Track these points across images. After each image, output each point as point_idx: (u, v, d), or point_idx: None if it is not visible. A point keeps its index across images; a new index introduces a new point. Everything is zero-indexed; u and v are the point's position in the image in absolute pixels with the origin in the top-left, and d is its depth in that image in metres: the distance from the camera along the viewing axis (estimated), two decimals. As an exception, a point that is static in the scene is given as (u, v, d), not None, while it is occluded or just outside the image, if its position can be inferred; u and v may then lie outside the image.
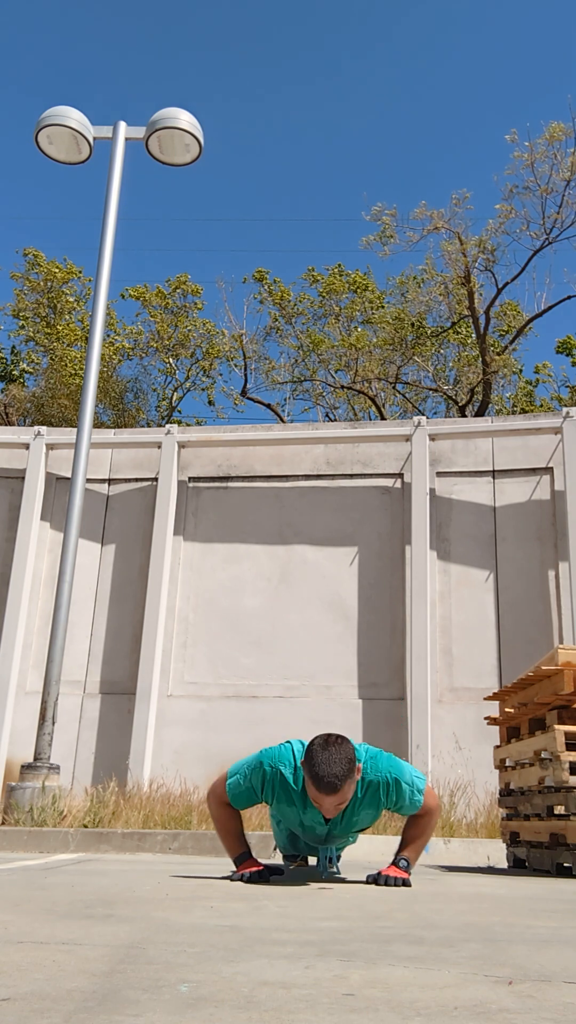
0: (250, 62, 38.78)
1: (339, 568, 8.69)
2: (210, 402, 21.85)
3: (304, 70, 39.09)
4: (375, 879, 3.23)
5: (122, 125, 8.09)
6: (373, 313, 20.29)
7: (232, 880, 3.26)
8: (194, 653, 8.67)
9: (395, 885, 3.17)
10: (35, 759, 6.35)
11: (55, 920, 2.04)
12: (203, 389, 21.71)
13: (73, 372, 19.35)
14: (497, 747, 5.32)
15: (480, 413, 17.81)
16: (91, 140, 8.01)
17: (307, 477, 9.05)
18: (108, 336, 20.05)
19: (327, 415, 21.01)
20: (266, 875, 3.20)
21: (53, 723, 6.50)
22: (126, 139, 8.09)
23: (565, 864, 4.11)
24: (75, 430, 7.70)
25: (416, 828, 3.35)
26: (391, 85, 38.68)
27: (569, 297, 17.04)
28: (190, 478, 9.25)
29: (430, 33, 36.19)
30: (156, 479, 9.16)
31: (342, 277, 20.65)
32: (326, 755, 2.98)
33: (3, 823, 5.91)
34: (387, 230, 16.88)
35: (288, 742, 3.33)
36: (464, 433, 8.93)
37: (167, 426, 9.47)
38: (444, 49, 36.88)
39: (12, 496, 9.36)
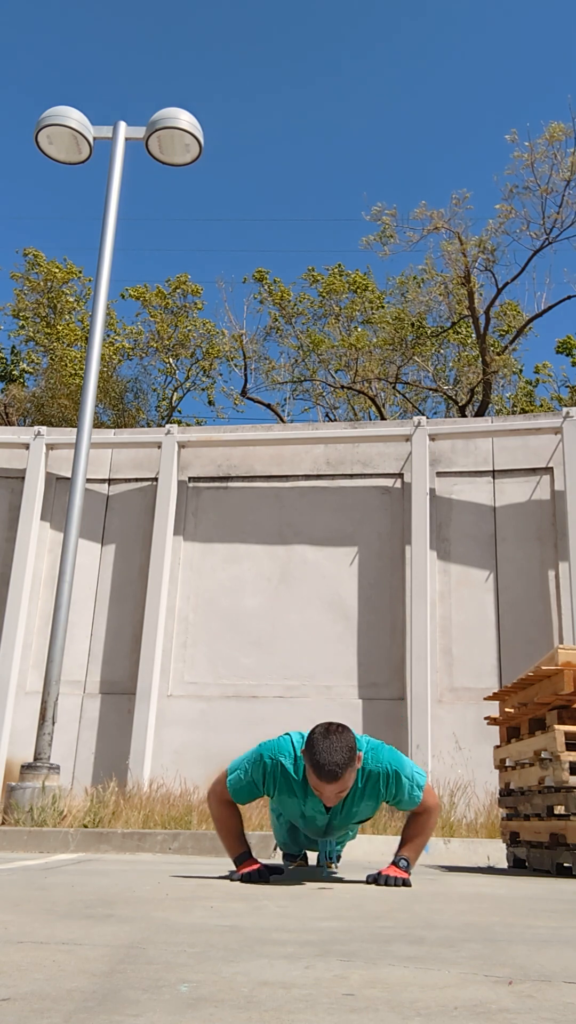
0: (250, 62, 38.78)
1: (339, 568, 8.69)
2: (210, 402, 21.88)
3: (304, 70, 39.09)
4: (375, 879, 3.23)
5: (122, 125, 8.09)
6: (373, 313, 20.29)
7: (232, 880, 3.26)
8: (194, 653, 8.67)
9: (395, 885, 3.17)
10: (35, 759, 6.35)
11: (55, 920, 2.04)
12: (203, 389, 21.73)
13: (73, 372, 19.35)
14: (497, 747, 5.32)
15: (480, 413, 17.81)
16: (91, 140, 8.01)
17: (307, 477, 9.05)
18: (108, 336, 20.05)
19: (327, 415, 21.02)
20: (266, 875, 3.20)
21: (53, 723, 6.50)
22: (126, 139, 8.09)
23: (565, 864, 4.11)
24: (75, 430, 7.70)
25: (415, 827, 3.35)
26: (391, 85, 38.69)
27: (569, 297, 17.05)
28: (190, 478, 9.25)
29: (430, 33, 36.19)
30: (156, 479, 9.16)
31: (342, 277, 20.65)
32: (327, 743, 2.99)
33: (3, 823, 5.91)
34: (387, 230, 16.89)
35: (287, 734, 3.34)
36: (464, 433, 8.93)
37: (167, 426, 9.47)
38: (444, 49, 36.88)
39: (12, 496, 9.36)
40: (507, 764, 5.05)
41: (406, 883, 3.20)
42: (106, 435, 9.67)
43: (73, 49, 37.23)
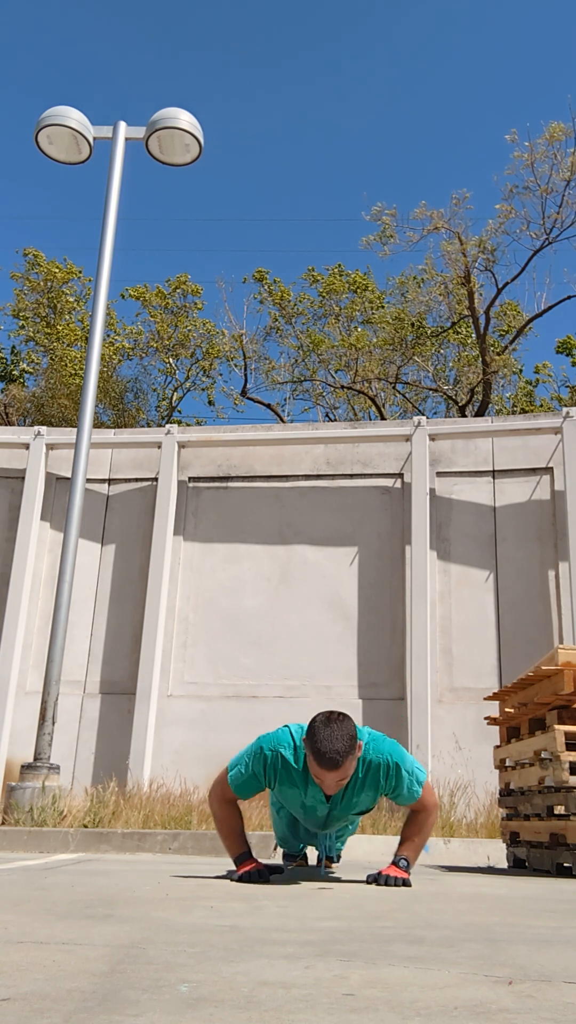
0: (250, 62, 38.79)
1: (339, 568, 8.69)
2: (210, 402, 21.88)
3: (304, 70, 39.10)
4: (375, 879, 3.23)
5: (122, 125, 8.09)
6: (373, 313, 20.29)
7: (232, 880, 3.26)
8: (194, 653, 8.67)
9: (395, 885, 3.17)
10: (35, 759, 6.35)
11: (55, 920, 2.04)
12: (203, 389, 21.73)
13: (73, 372, 19.35)
14: (497, 747, 5.32)
15: (480, 413, 17.81)
16: (91, 140, 8.01)
17: (307, 477, 9.05)
18: (108, 336, 20.05)
19: (327, 415, 21.02)
20: (266, 875, 3.20)
21: (53, 723, 6.50)
22: (126, 139, 8.09)
23: (565, 864, 4.11)
24: (75, 430, 7.70)
25: (415, 826, 3.36)
26: (391, 85, 38.69)
27: (569, 297, 17.05)
28: (190, 478, 9.25)
29: (430, 33, 36.19)
30: (156, 479, 9.16)
31: (342, 277, 20.65)
32: (328, 732, 3.01)
33: (3, 823, 5.91)
34: (387, 230, 16.89)
35: (285, 726, 3.36)
36: (464, 433, 8.93)
37: (167, 426, 9.47)
38: (444, 49, 36.88)
39: (12, 496, 9.36)
40: (507, 764, 5.05)
41: (406, 883, 3.20)
42: (106, 435, 9.66)
43: (73, 49, 37.24)
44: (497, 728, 5.96)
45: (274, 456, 9.14)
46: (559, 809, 4.15)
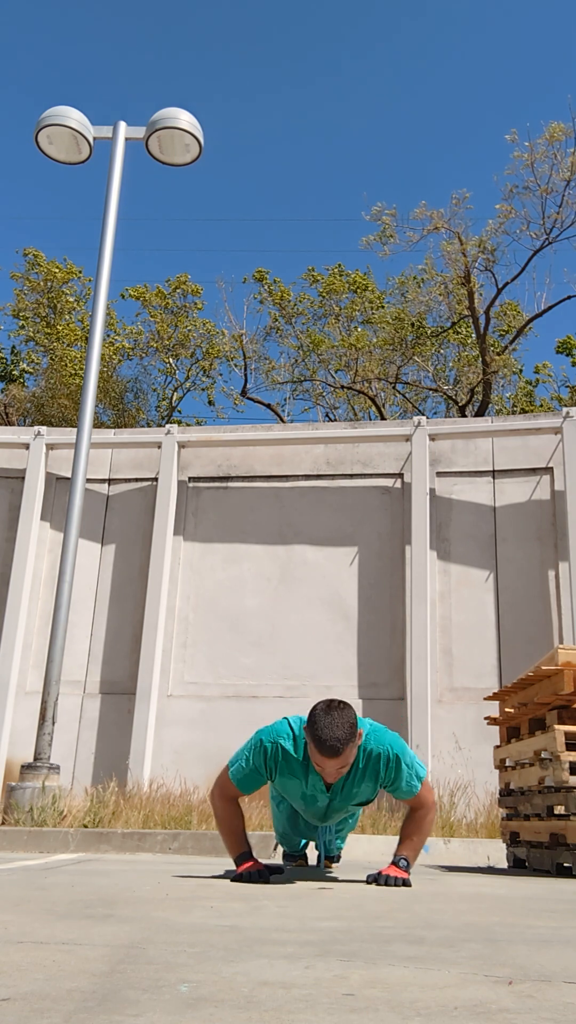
0: (250, 62, 38.79)
1: (339, 568, 8.69)
2: (210, 402, 21.88)
3: (304, 70, 39.10)
4: (375, 879, 3.23)
5: (122, 125, 8.09)
6: (373, 313, 20.29)
7: (231, 880, 3.26)
8: (194, 653, 8.68)
9: (395, 885, 3.17)
10: (35, 759, 6.35)
11: (55, 920, 2.04)
12: (203, 389, 21.74)
13: (73, 372, 19.35)
14: (497, 747, 5.32)
15: (480, 413, 17.81)
16: (91, 140, 8.01)
17: (307, 477, 9.05)
18: (108, 336, 20.05)
19: (327, 415, 21.02)
20: (266, 875, 3.20)
21: (53, 723, 6.50)
22: (126, 139, 8.09)
23: (565, 864, 4.11)
24: (75, 430, 7.70)
25: (413, 825, 3.36)
26: (391, 85, 38.69)
27: (569, 297, 17.05)
28: (190, 478, 9.25)
29: (430, 33, 36.20)
30: (156, 479, 9.16)
31: (342, 277, 20.65)
32: (328, 719, 3.02)
33: (3, 823, 5.91)
34: (387, 230, 16.89)
35: (284, 718, 3.37)
36: (464, 433, 8.93)
37: (167, 426, 9.47)
38: (444, 49, 36.89)
39: (12, 496, 9.36)
40: (507, 764, 5.05)
41: (406, 883, 3.20)
42: (106, 435, 9.67)
43: (73, 49, 37.24)
44: (497, 728, 5.96)
45: (274, 456, 9.14)
46: (559, 809, 4.15)
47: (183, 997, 1.22)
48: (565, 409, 8.51)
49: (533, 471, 8.57)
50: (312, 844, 4.38)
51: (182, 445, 9.26)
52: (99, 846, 5.34)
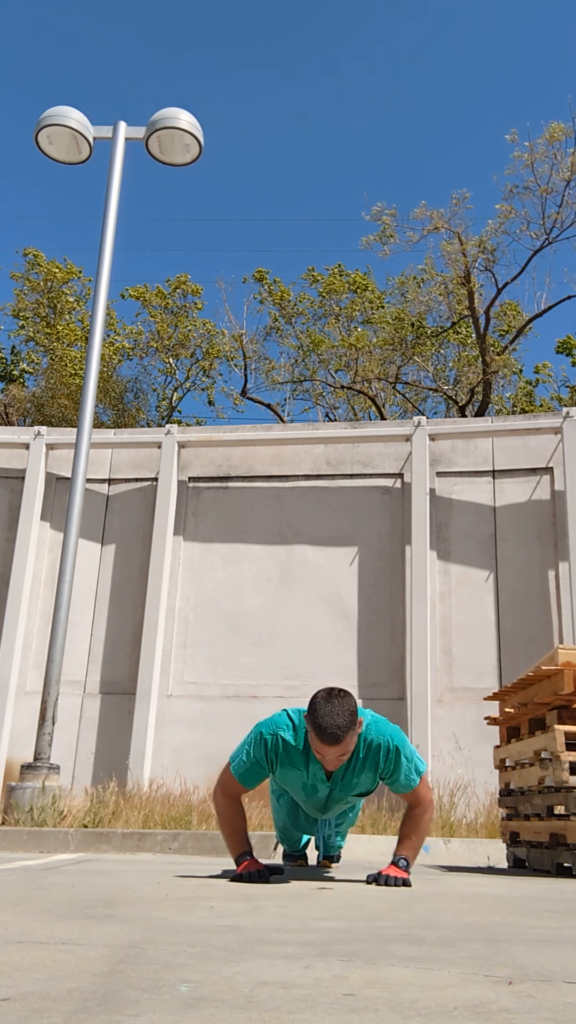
0: (250, 62, 38.79)
1: (339, 568, 8.69)
2: (210, 402, 21.88)
3: (304, 70, 39.10)
4: (375, 879, 3.23)
5: (122, 125, 8.09)
6: (373, 313, 20.29)
7: (231, 880, 3.27)
8: (194, 653, 8.68)
9: (395, 885, 3.17)
10: (35, 759, 6.35)
11: (55, 920, 2.04)
12: (203, 389, 21.73)
13: (73, 372, 19.35)
14: (497, 747, 5.32)
15: (480, 413, 17.81)
16: (91, 140, 8.01)
17: (307, 477, 9.05)
18: (108, 336, 20.05)
19: (327, 415, 21.02)
20: (266, 875, 3.20)
21: (53, 723, 6.50)
22: (126, 139, 8.09)
23: (565, 864, 4.11)
24: (75, 430, 7.70)
25: (412, 824, 3.36)
26: (391, 85, 38.69)
27: (569, 297, 17.05)
28: (190, 478, 9.25)
29: (430, 33, 36.20)
30: (156, 479, 9.16)
31: (342, 277, 20.65)
32: (329, 707, 3.04)
33: (3, 823, 5.91)
34: (387, 230, 16.89)
35: (283, 710, 3.38)
36: (464, 433, 8.93)
37: (167, 426, 9.47)
38: (444, 49, 36.89)
39: (12, 496, 9.36)
40: (507, 764, 5.05)
41: (406, 883, 3.20)
42: (106, 435, 9.66)
43: (73, 49, 37.25)
44: (497, 728, 5.96)
45: (274, 456, 9.14)
46: (559, 809, 4.15)
47: (183, 997, 1.22)
48: (565, 409, 8.51)
49: (533, 471, 8.57)
50: (312, 844, 4.39)
51: (182, 445, 9.26)
52: (99, 846, 5.34)
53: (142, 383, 21.28)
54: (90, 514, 8.97)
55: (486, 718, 5.51)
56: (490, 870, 4.83)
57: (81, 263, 21.64)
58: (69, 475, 8.41)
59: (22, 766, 6.37)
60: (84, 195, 37.45)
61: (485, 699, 5.58)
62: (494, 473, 8.66)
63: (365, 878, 3.34)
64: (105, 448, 9.41)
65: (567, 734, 4.15)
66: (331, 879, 3.58)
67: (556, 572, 8.20)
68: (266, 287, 20.48)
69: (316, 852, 4.38)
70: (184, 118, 7.89)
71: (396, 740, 3.28)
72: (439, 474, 8.75)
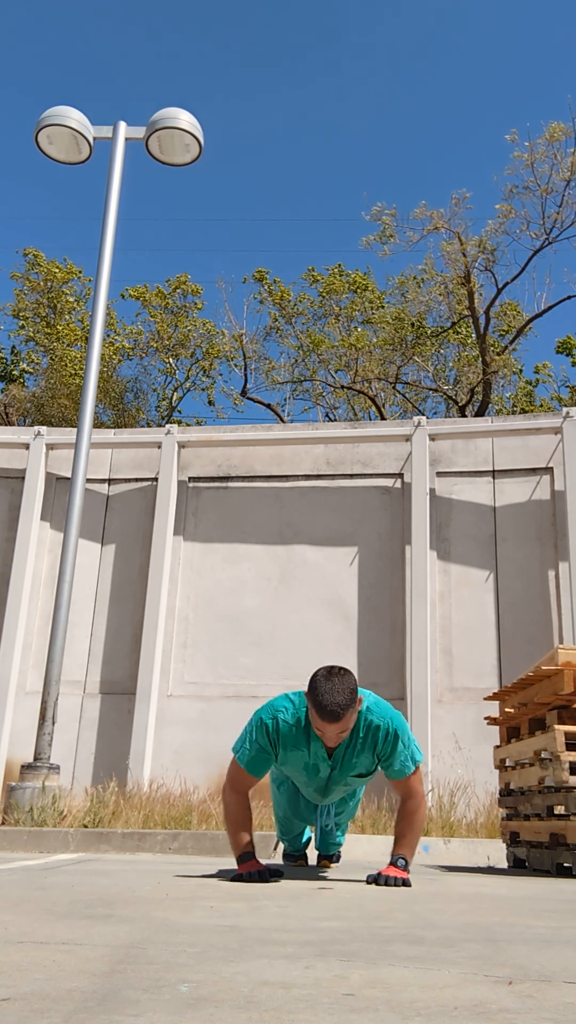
0: (250, 62, 38.80)
1: (339, 568, 8.69)
2: (210, 402, 21.87)
3: (304, 70, 39.11)
4: (375, 879, 3.23)
5: (122, 125, 8.09)
6: (373, 313, 20.29)
7: (231, 880, 3.27)
8: (194, 653, 8.68)
9: (395, 885, 3.18)
10: (35, 759, 6.35)
11: (55, 920, 2.04)
12: (203, 389, 21.73)
13: (73, 372, 19.35)
14: (497, 747, 5.32)
15: (480, 413, 17.81)
16: (91, 140, 8.01)
17: (307, 477, 9.05)
18: (108, 336, 20.05)
19: (327, 415, 21.02)
20: (266, 875, 3.21)
21: (53, 723, 6.50)
22: (126, 139, 8.09)
23: (565, 864, 4.11)
24: (75, 430, 7.70)
25: (406, 823, 3.37)
26: (391, 85, 38.69)
27: (569, 297, 17.05)
28: (190, 478, 9.25)
29: (430, 33, 36.20)
30: (156, 479, 9.16)
31: (342, 277, 20.65)
32: (329, 685, 3.07)
33: (3, 823, 5.91)
34: (387, 230, 16.89)
35: (281, 694, 3.42)
36: (464, 433, 8.93)
37: (167, 426, 9.47)
38: (444, 49, 36.89)
39: (12, 496, 9.36)
40: (507, 764, 5.05)
41: (406, 883, 3.20)
42: (106, 435, 9.66)
43: (73, 49, 37.25)
44: (497, 728, 5.96)
45: (274, 456, 9.14)
46: (559, 809, 4.15)
47: (183, 997, 1.22)
48: (565, 409, 8.51)
49: (533, 471, 8.57)
50: (312, 844, 4.39)
51: (182, 445, 9.26)
52: (99, 846, 5.34)
53: (142, 383, 21.30)
54: (90, 514, 8.97)
55: (486, 718, 5.51)
56: (490, 870, 4.83)
57: (81, 263, 21.66)
58: (69, 475, 8.41)
59: (22, 766, 6.37)
60: (84, 195, 37.46)
61: (485, 699, 5.58)
62: (494, 473, 8.66)
63: (365, 878, 3.34)
64: (105, 448, 9.41)
65: (567, 734, 4.15)
66: (331, 879, 3.58)
67: (556, 572, 8.20)
68: (266, 287, 20.48)
69: (316, 852, 4.38)
70: (184, 118, 7.89)
71: (396, 723, 3.31)
72: (439, 474, 8.75)
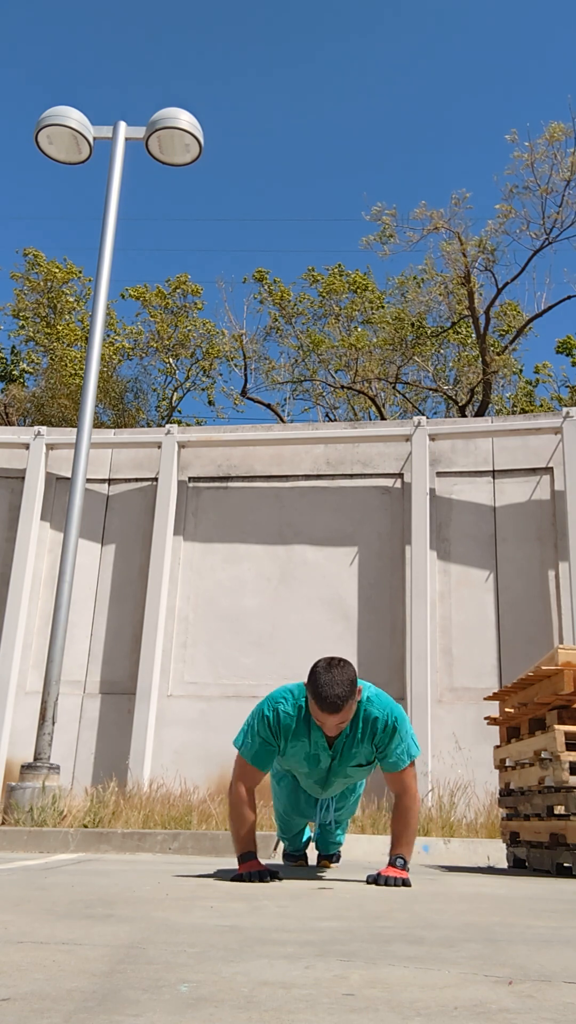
0: (251, 62, 38.80)
1: (339, 568, 8.69)
2: (210, 402, 21.87)
3: (304, 70, 39.11)
4: (375, 879, 3.23)
5: (122, 125, 8.09)
6: (373, 313, 20.29)
7: (231, 880, 3.27)
8: (194, 653, 8.68)
9: (395, 885, 3.18)
10: (35, 759, 6.35)
11: (55, 920, 2.04)
12: (203, 389, 21.73)
13: (73, 372, 19.35)
14: (497, 747, 5.32)
15: (480, 413, 17.81)
16: (91, 140, 8.01)
17: (307, 477, 9.05)
18: (108, 336, 20.05)
19: (327, 415, 21.02)
20: (266, 876, 3.21)
21: (53, 723, 6.50)
22: (126, 139, 8.09)
23: (565, 864, 4.11)
24: (75, 430, 7.70)
25: (402, 821, 3.37)
26: (391, 85, 38.70)
27: (569, 297, 17.05)
28: (190, 478, 9.25)
29: (430, 34, 36.21)
30: (156, 479, 9.16)
31: (342, 277, 20.65)
32: (329, 676, 3.11)
33: (3, 823, 5.91)
34: (387, 230, 16.89)
35: (281, 686, 3.45)
36: (464, 433, 8.93)
37: (167, 426, 9.47)
38: (444, 49, 36.90)
39: (12, 496, 9.36)
40: (507, 764, 5.05)
41: (406, 883, 3.20)
42: (106, 435, 9.66)
43: (73, 49, 37.25)
44: (497, 728, 5.96)
45: (274, 456, 9.14)
46: (559, 809, 4.15)
47: (183, 997, 1.22)
48: (565, 409, 8.51)
49: (533, 471, 8.57)
50: (313, 845, 4.39)
51: (182, 445, 9.26)
52: (99, 846, 5.34)
53: (142, 383, 21.30)
54: (90, 514, 8.97)
55: (486, 718, 5.51)
56: (490, 870, 4.83)
57: (81, 263, 21.66)
58: (69, 475, 8.40)
59: (22, 766, 6.37)
60: (84, 195, 37.47)
61: (485, 699, 5.58)
62: (494, 473, 8.66)
63: (365, 878, 3.34)
64: (105, 448, 9.41)
65: (567, 734, 4.15)
66: (331, 879, 3.58)
67: (556, 572, 8.20)
68: (266, 287, 20.48)
69: (316, 852, 4.38)
70: (184, 118, 7.89)
71: (395, 715, 3.32)
72: (439, 474, 8.75)
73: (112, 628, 8.86)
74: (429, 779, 7.39)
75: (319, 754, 3.38)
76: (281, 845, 4.55)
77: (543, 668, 4.41)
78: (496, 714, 5.38)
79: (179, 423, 19.72)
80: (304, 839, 4.31)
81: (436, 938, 1.88)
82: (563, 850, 4.12)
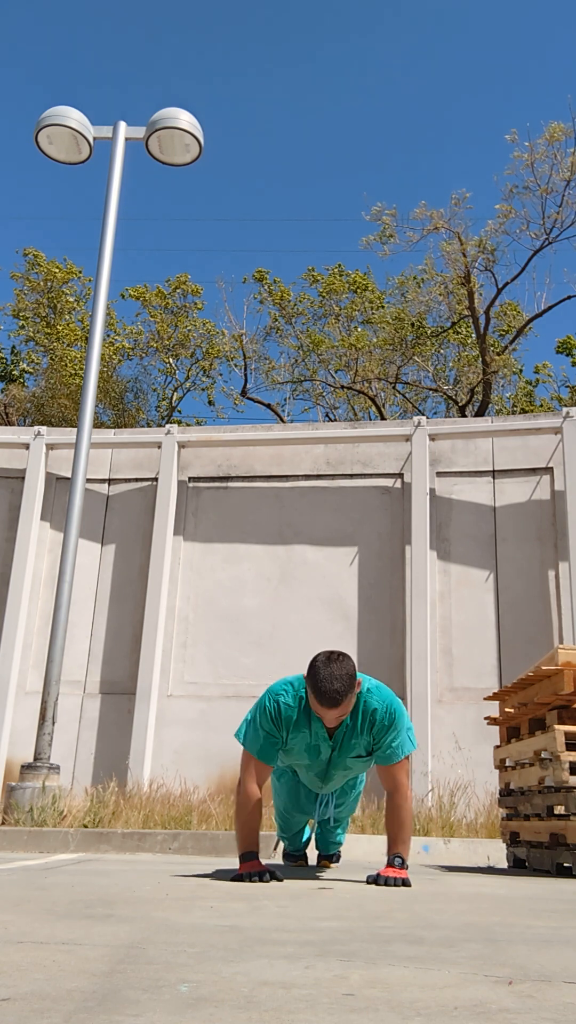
0: (251, 62, 38.81)
1: (339, 568, 8.69)
2: (210, 402, 21.87)
3: (304, 70, 39.11)
4: (375, 879, 3.23)
5: (122, 125, 8.09)
6: (373, 313, 20.29)
7: (231, 880, 3.27)
8: (194, 653, 8.68)
9: (395, 885, 3.18)
10: (35, 759, 6.35)
11: (55, 920, 2.04)
12: (203, 389, 21.73)
13: (73, 372, 19.35)
14: (497, 747, 5.32)
15: (480, 413, 17.81)
16: (91, 140, 8.01)
17: (307, 477, 9.05)
18: (108, 336, 20.04)
19: (327, 415, 21.02)
20: (266, 876, 3.21)
21: (53, 723, 6.50)
22: (126, 139, 8.09)
23: (565, 864, 4.11)
24: (75, 430, 7.70)
25: (396, 821, 3.38)
26: (391, 85, 38.70)
27: (569, 297, 17.05)
28: (190, 478, 9.25)
29: (430, 34, 36.21)
30: (156, 479, 9.16)
31: (342, 277, 20.64)
32: (328, 671, 3.12)
33: (3, 823, 5.91)
34: (387, 230, 16.88)
35: (280, 679, 3.45)
36: (464, 433, 8.93)
37: (167, 426, 9.47)
38: (444, 49, 36.90)
39: (12, 496, 9.36)
40: (507, 764, 5.05)
41: (406, 883, 3.21)
42: (106, 435, 9.66)
43: (73, 49, 37.25)
44: (497, 728, 5.96)
45: (274, 456, 9.14)
46: (559, 809, 4.15)
47: (183, 997, 1.22)
48: (565, 409, 8.51)
49: (533, 471, 8.57)
50: (313, 845, 4.39)
51: (182, 445, 9.26)
52: (99, 846, 5.34)
53: (142, 383, 21.30)
54: (90, 514, 8.97)
55: (486, 718, 5.51)
56: (490, 870, 4.83)
57: (81, 263, 21.66)
58: (69, 475, 8.40)
59: (22, 766, 6.37)
60: (84, 195, 37.47)
61: (485, 699, 5.58)
62: (494, 473, 8.66)
63: (365, 878, 3.34)
64: (105, 448, 9.41)
65: (567, 734, 4.15)
66: (331, 879, 3.58)
67: (556, 572, 8.20)
68: (266, 287, 20.47)
69: (316, 852, 4.38)
70: (184, 118, 7.89)
71: (394, 707, 3.34)
72: (439, 474, 8.75)
73: (112, 628, 8.86)
74: (429, 779, 7.39)
75: (319, 745, 3.39)
76: (281, 845, 4.55)
77: (543, 668, 4.41)
78: (496, 714, 5.38)
79: (179, 423, 19.72)
80: (304, 838, 4.31)
81: (436, 938, 1.88)
82: (563, 850, 4.12)
